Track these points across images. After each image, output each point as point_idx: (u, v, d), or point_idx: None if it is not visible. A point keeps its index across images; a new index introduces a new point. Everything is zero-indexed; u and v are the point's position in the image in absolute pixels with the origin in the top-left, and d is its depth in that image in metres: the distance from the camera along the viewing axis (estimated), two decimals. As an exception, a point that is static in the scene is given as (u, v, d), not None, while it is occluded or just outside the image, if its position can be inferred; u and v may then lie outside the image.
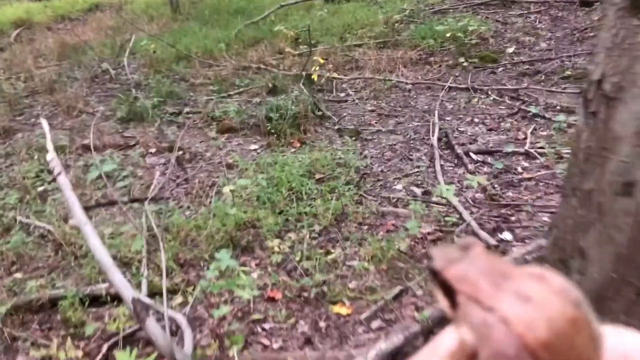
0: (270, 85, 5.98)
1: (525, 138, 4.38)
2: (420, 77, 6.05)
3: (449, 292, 0.32)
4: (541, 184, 3.68)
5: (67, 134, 5.26)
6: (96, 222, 3.45)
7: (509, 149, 4.15)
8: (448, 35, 6.67)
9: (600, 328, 0.29)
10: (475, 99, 5.25)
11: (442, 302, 0.33)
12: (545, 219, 3.25)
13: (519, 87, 5.45)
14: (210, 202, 3.79)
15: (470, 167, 3.96)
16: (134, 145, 4.93)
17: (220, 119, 5.26)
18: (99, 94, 6.45)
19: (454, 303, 0.32)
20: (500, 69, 6.05)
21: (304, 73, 6.05)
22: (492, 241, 3.01)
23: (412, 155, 4.32)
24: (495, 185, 3.68)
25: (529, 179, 3.72)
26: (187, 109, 5.69)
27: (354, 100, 5.58)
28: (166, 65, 7.09)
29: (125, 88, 6.43)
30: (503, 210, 3.40)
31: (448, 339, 0.33)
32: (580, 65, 5.92)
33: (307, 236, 3.17)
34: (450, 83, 5.67)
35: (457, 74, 6.03)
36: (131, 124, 5.43)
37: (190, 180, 4.20)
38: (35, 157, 4.61)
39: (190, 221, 3.43)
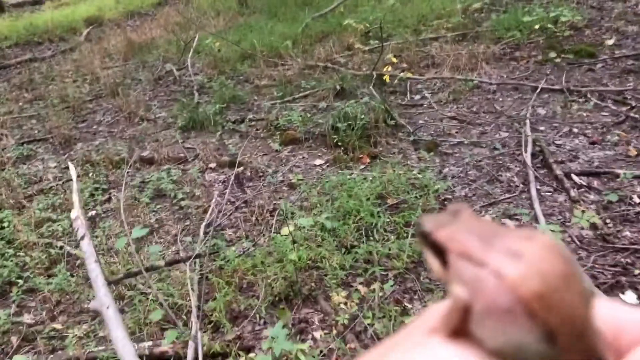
0: (337, 87, 5.45)
1: (638, 155, 3.65)
2: (505, 76, 5.34)
3: (440, 254, 0.32)
4: (666, 219, 2.99)
5: (127, 144, 4.97)
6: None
7: (621, 170, 3.44)
8: (537, 26, 5.88)
9: (590, 287, 0.24)
10: (573, 104, 4.52)
11: (433, 264, 0.33)
12: (679, 272, 2.58)
13: (624, 88, 4.66)
14: (270, 230, 3.36)
15: (573, 193, 3.30)
16: (194, 158, 4.55)
17: (284, 128, 4.80)
18: (162, 97, 6.15)
19: (445, 264, 0.32)
20: (599, 65, 5.24)
21: (374, 73, 5.49)
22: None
23: (501, 175, 3.69)
24: (607, 221, 3.02)
25: (650, 213, 3.04)
26: (250, 115, 5.26)
27: (430, 105, 4.96)
28: (230, 65, 6.69)
29: (188, 91, 6.10)
30: (620, 257, 2.75)
31: (436, 307, 0.34)
32: (697, 60, 5.03)
33: (379, 287, 2.65)
34: (542, 83, 4.94)
35: (548, 72, 5.27)
36: (192, 133, 5.07)
37: (250, 203, 3.77)
38: (90, 174, 4.33)
39: (247, 260, 2.99)
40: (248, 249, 3.15)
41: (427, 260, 0.34)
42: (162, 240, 3.49)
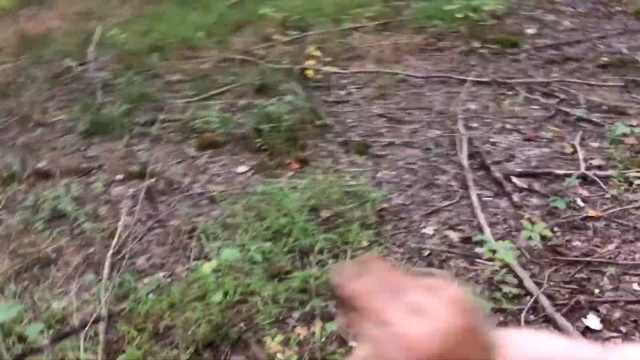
0: (258, 83, 4.99)
1: (575, 152, 3.48)
2: (431, 68, 5.08)
3: (350, 308, 0.31)
4: (613, 225, 2.80)
5: (20, 154, 4.28)
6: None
7: (560, 171, 3.25)
8: (459, 15, 5.66)
9: (493, 336, 0.27)
10: (503, 97, 4.32)
11: (343, 320, 0.32)
12: (637, 287, 2.38)
13: (550, 79, 4.52)
14: (190, 257, 2.89)
15: (516, 198, 3.06)
16: (98, 169, 3.96)
17: (201, 130, 4.29)
18: (61, 97, 5.42)
19: (354, 319, 0.31)
20: (522, 56, 5.09)
21: (296, 67, 5.08)
22: (574, 332, 2.13)
23: (437, 179, 3.41)
24: (555, 229, 2.79)
25: (596, 218, 2.83)
26: (162, 116, 4.70)
27: (357, 102, 4.61)
28: (138, 58, 6.03)
29: (90, 90, 5.41)
30: (574, 271, 2.52)
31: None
32: (615, 49, 4.99)
33: (320, 329, 2.27)
34: (469, 76, 4.72)
35: (473, 63, 5.07)
36: (95, 139, 4.44)
37: (164, 222, 3.28)
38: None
39: (162, 299, 2.52)
40: (163, 283, 2.68)
41: (338, 314, 0.21)
42: (60, 273, 2.93)
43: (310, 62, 4.91)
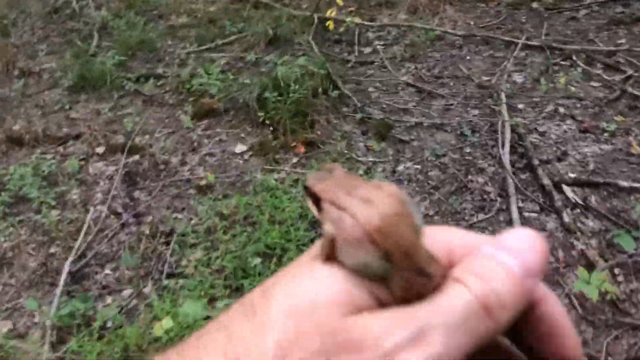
0: (270, 32, 4.27)
1: (644, 153, 2.76)
2: (472, 24, 4.27)
3: (317, 202, 0.38)
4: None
5: (-3, 110, 3.74)
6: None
7: (626, 181, 2.56)
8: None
9: (421, 222, 0.34)
10: (556, 68, 3.54)
11: (313, 209, 0.39)
12: None
13: (616, 48, 3.69)
14: (162, 271, 2.37)
15: (567, 218, 2.41)
16: (77, 137, 3.39)
17: (199, 92, 3.66)
18: (54, 39, 4.79)
19: (320, 209, 0.38)
20: (582, 12, 4.23)
21: (315, 16, 4.33)
22: None
23: (471, 180, 2.75)
24: (616, 271, 2.15)
25: (674, 261, 2.18)
26: (160, 70, 4.07)
27: (382, 63, 3.88)
28: (143, -6, 5.31)
29: (87, 31, 4.76)
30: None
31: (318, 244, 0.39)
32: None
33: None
34: (518, 37, 3.91)
35: (523, 20, 4.24)
36: (82, 96, 3.85)
37: (141, 217, 2.73)
38: None
39: (115, 339, 2.00)
40: (121, 317, 2.16)
41: (309, 207, 0.40)
42: (12, 281, 2.44)
43: (332, 12, 4.14)
